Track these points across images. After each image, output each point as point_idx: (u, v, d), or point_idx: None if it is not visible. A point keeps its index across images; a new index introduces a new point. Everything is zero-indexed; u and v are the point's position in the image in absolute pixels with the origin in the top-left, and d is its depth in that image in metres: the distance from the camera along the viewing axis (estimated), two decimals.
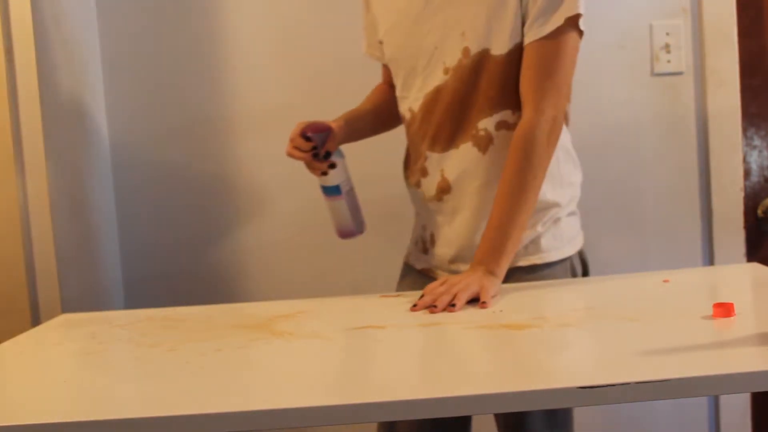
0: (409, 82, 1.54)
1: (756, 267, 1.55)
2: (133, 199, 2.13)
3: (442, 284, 1.37)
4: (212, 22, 2.09)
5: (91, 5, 2.08)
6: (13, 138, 1.71)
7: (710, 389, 1.20)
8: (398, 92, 1.58)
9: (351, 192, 1.59)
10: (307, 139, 1.50)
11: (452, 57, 1.48)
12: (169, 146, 2.12)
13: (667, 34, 2.10)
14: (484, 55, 1.46)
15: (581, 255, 1.59)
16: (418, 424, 1.56)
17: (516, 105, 1.47)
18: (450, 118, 1.50)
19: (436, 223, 1.57)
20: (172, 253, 2.14)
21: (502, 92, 1.47)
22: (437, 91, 1.50)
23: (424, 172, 1.56)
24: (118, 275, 2.13)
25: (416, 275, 1.62)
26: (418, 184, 1.58)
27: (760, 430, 2.19)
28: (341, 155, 1.56)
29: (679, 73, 2.12)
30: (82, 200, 1.95)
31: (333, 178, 1.54)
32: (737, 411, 2.16)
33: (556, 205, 1.52)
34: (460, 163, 1.50)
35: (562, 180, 1.53)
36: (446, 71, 1.49)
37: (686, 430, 2.18)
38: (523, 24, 1.44)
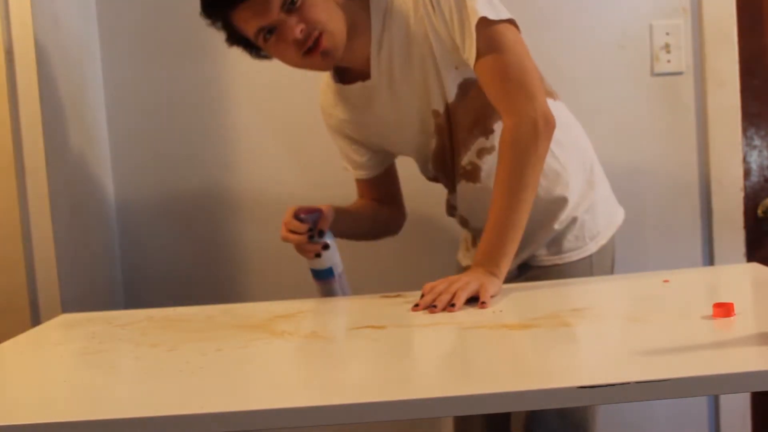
0: (421, 158, 1.66)
1: (756, 267, 1.55)
2: (133, 198, 2.13)
3: (441, 283, 1.37)
4: None
5: (91, 5, 2.08)
6: (13, 138, 1.71)
7: (710, 389, 1.21)
8: (420, 167, 1.70)
9: (342, 275, 1.58)
10: (301, 220, 1.52)
11: (431, 123, 1.56)
12: (169, 145, 2.12)
13: (667, 34, 2.10)
14: (447, 107, 1.53)
15: (610, 246, 1.62)
16: (488, 424, 1.63)
17: (485, 129, 1.53)
18: (447, 168, 1.61)
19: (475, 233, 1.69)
20: (172, 253, 2.14)
21: (469, 128, 1.53)
22: (434, 152, 1.61)
23: (453, 207, 1.69)
24: (118, 275, 2.13)
25: (462, 272, 1.66)
26: (452, 215, 1.71)
27: (760, 430, 2.19)
28: (332, 237, 1.56)
29: (679, 73, 2.12)
30: (82, 200, 1.95)
31: (326, 260, 1.54)
32: (737, 411, 2.16)
33: (563, 199, 1.54)
34: (463, 200, 1.62)
35: (559, 174, 1.55)
36: (432, 135, 1.58)
37: (686, 430, 2.18)
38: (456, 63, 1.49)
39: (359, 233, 1.72)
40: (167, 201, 2.13)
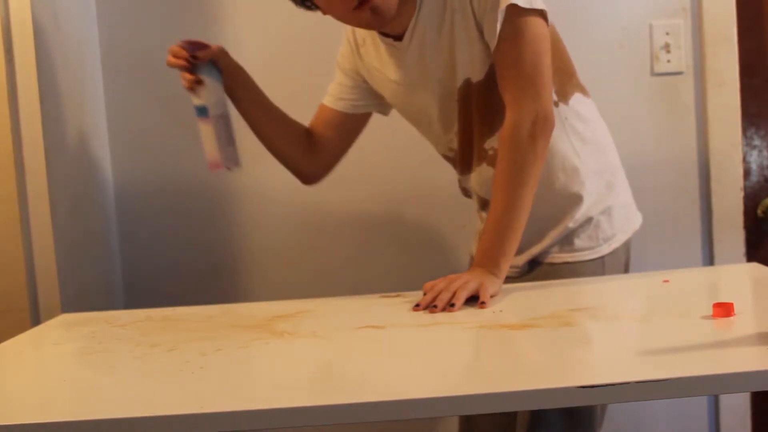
0: (440, 128, 1.60)
1: (756, 267, 1.55)
2: (133, 199, 2.13)
3: (441, 281, 1.37)
4: (212, 18, 2.09)
5: (91, 5, 2.08)
6: (13, 138, 1.71)
7: (710, 389, 1.21)
8: (436, 141, 1.64)
9: (222, 119, 1.56)
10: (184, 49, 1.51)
11: (454, 97, 1.53)
12: (169, 145, 2.12)
13: (667, 33, 2.10)
14: (467, 84, 1.50)
15: (624, 249, 1.61)
16: (493, 425, 1.61)
17: None
18: (462, 146, 1.57)
19: None
20: (172, 253, 2.14)
21: (495, 111, 1.50)
22: (458, 130, 1.57)
23: (466, 190, 1.66)
24: (118, 275, 2.13)
25: None
26: (468, 196, 1.68)
27: (760, 430, 2.19)
28: (217, 77, 1.54)
29: (679, 73, 2.12)
30: (82, 200, 1.95)
31: (201, 96, 1.53)
32: (737, 411, 2.16)
33: (578, 197, 1.53)
34: (481, 182, 1.58)
35: (578, 171, 1.54)
36: (455, 110, 1.54)
37: (686, 430, 2.18)
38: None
39: (263, 130, 1.67)
40: (168, 201, 2.13)
